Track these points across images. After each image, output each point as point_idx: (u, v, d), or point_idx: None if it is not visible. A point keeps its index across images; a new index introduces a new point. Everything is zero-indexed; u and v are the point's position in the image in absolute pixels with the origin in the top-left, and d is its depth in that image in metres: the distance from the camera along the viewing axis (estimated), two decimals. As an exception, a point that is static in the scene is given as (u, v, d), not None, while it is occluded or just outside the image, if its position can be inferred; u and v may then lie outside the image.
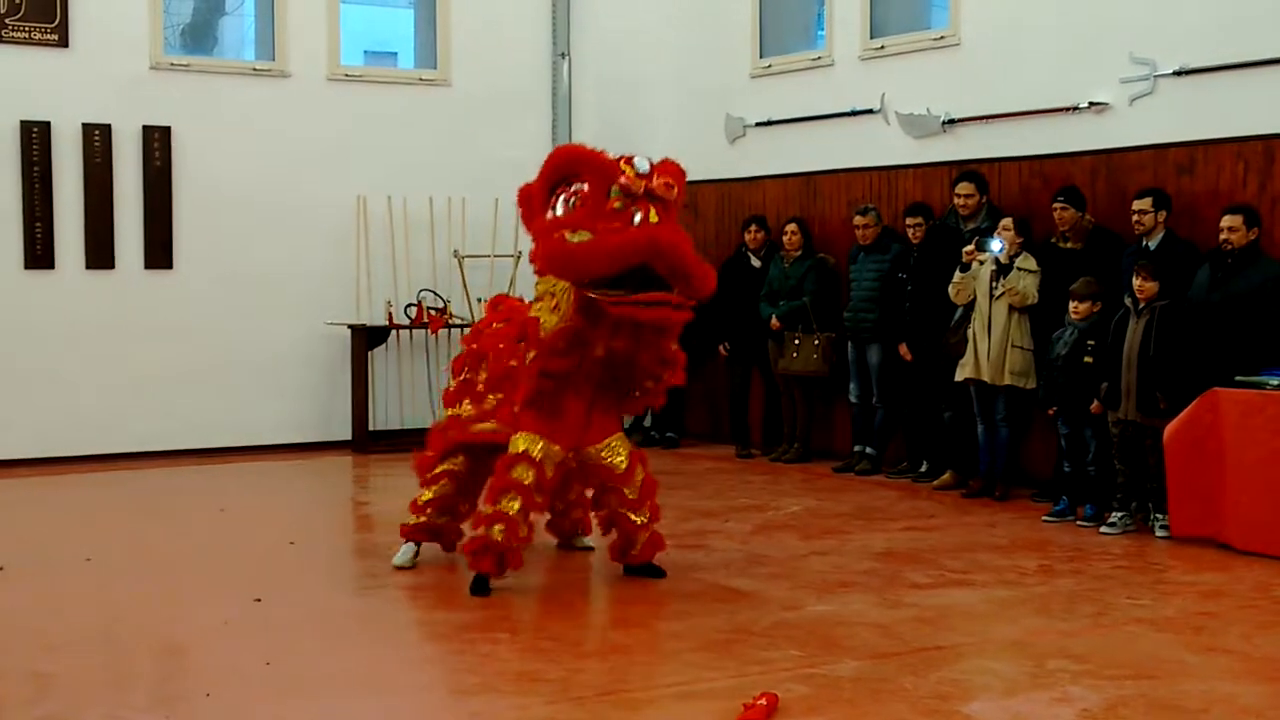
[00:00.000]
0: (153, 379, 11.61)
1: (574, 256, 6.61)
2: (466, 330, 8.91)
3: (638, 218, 6.69)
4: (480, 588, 7.02)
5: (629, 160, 6.80)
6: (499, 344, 7.36)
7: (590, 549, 8.01)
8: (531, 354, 7.06)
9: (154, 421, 11.64)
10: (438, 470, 7.49)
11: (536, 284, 7.25)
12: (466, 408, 7.41)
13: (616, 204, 6.70)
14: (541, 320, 7.04)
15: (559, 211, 6.85)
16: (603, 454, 7.24)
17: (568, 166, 6.91)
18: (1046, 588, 7.23)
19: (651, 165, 6.85)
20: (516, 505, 6.94)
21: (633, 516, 7.36)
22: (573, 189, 6.85)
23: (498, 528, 6.93)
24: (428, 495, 7.51)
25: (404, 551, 7.60)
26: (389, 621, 6.73)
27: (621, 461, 7.28)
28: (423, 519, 7.53)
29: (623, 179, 6.70)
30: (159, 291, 11.67)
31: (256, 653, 5.99)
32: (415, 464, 7.66)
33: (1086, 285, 8.82)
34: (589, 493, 7.59)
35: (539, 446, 6.99)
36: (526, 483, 6.94)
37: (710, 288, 6.92)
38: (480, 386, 7.38)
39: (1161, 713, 5.22)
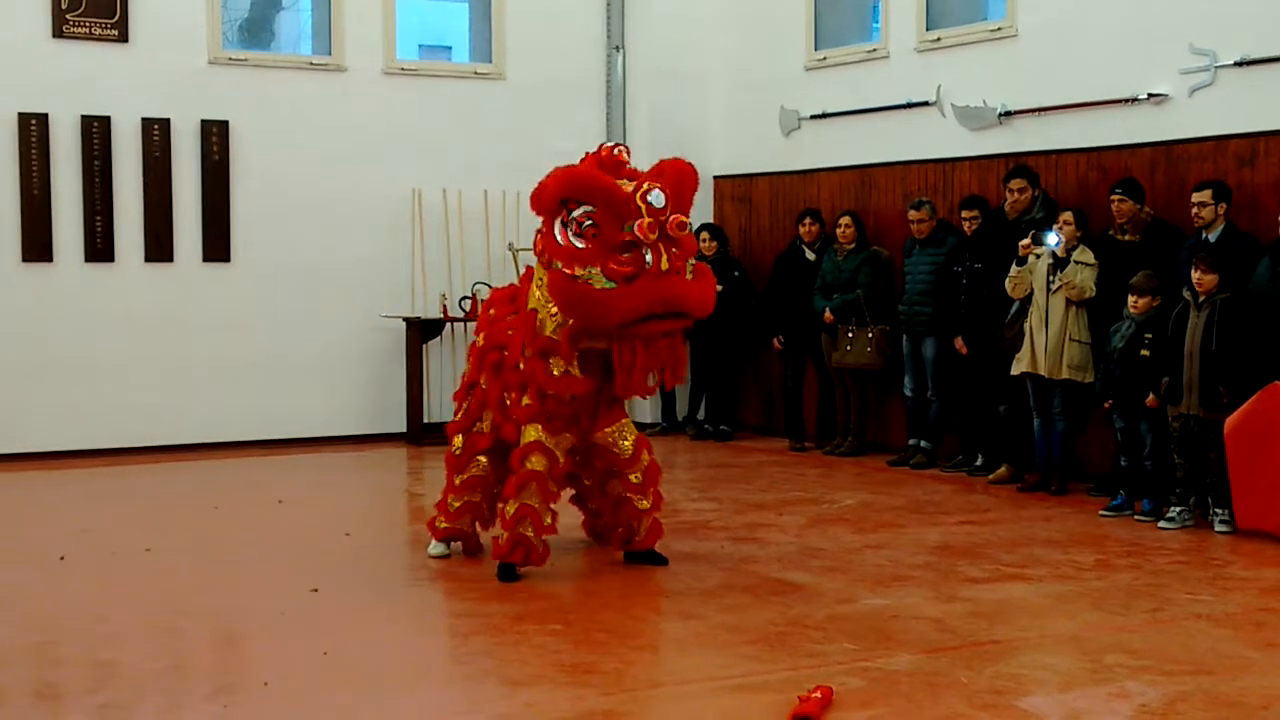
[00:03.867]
0: (211, 371, 11.72)
1: (590, 306, 6.73)
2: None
3: (649, 257, 6.71)
4: (508, 574, 7.15)
5: (644, 194, 6.71)
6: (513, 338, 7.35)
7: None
8: (528, 351, 7.12)
9: (212, 413, 11.75)
10: (466, 476, 7.53)
11: (536, 268, 7.24)
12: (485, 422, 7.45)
13: (628, 237, 6.71)
14: (539, 316, 7.08)
15: (570, 234, 6.82)
16: (610, 437, 7.34)
17: (583, 194, 6.82)
18: (1104, 582, 7.17)
19: (666, 198, 6.74)
20: (537, 498, 7.09)
21: (637, 501, 7.45)
22: (582, 210, 6.80)
23: (526, 523, 7.07)
24: (456, 503, 7.58)
25: (437, 544, 7.71)
26: (444, 612, 6.76)
27: (628, 446, 7.39)
28: (452, 525, 7.62)
29: (638, 227, 6.66)
30: (217, 285, 11.78)
31: (313, 643, 6.03)
32: (447, 461, 7.73)
33: (1146, 279, 8.73)
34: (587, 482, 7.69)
35: (558, 438, 7.13)
36: (541, 470, 7.08)
37: (711, 309, 7.07)
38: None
39: (1221, 709, 5.16)
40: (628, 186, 6.79)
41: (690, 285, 6.85)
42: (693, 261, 6.97)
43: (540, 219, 7.07)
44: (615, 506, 7.53)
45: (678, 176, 6.95)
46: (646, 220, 6.65)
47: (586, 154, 7.18)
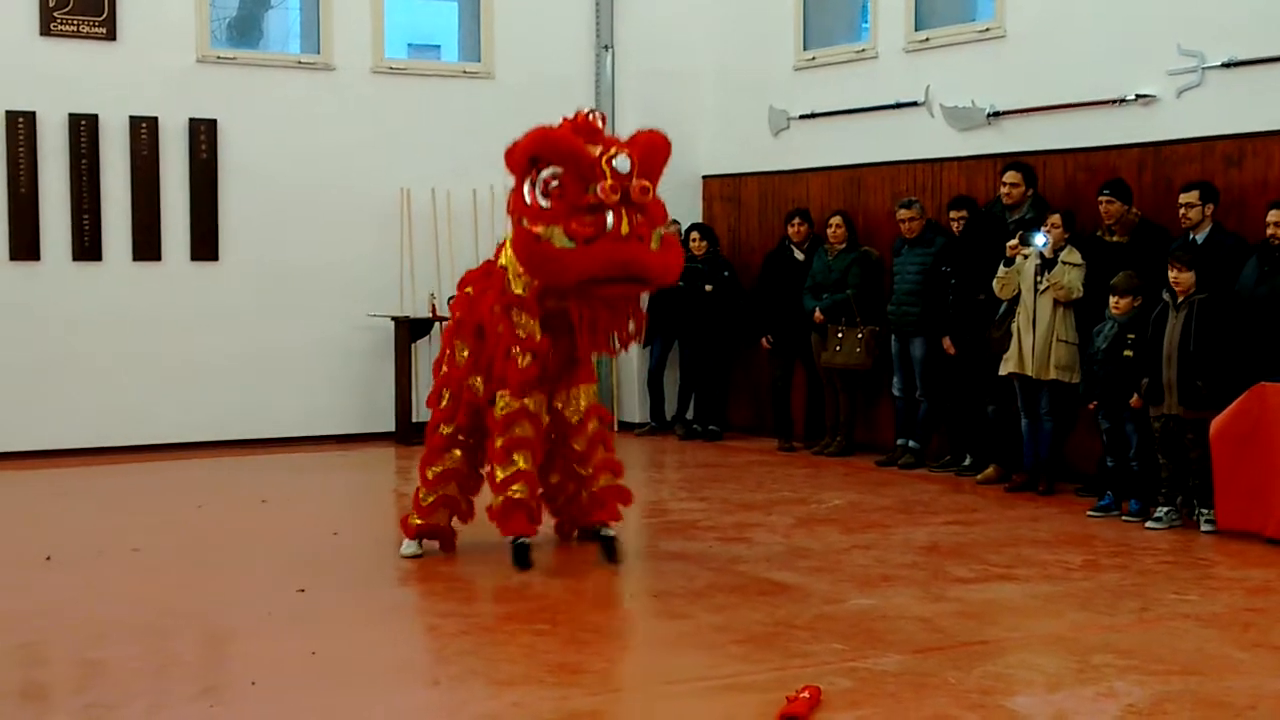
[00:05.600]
0: (198, 370, 11.69)
1: (548, 264, 6.89)
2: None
3: (610, 220, 6.83)
4: (522, 558, 7.23)
5: (610, 159, 6.86)
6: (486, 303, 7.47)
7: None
8: (495, 308, 7.27)
9: (199, 412, 11.73)
10: (440, 470, 7.56)
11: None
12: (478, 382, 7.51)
13: (592, 200, 6.82)
14: (509, 273, 7.23)
15: (538, 193, 6.95)
16: (559, 404, 7.44)
17: (549, 155, 6.97)
18: (1091, 583, 7.18)
19: (632, 163, 6.89)
20: (526, 460, 7.21)
21: (578, 469, 7.55)
22: (550, 171, 6.94)
23: (516, 486, 7.16)
24: (430, 498, 7.60)
25: (410, 543, 7.70)
26: (430, 612, 6.75)
27: (574, 414, 7.48)
28: (427, 521, 7.63)
29: (600, 188, 6.79)
30: (204, 283, 11.76)
31: (300, 642, 6.02)
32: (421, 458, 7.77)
33: (1127, 279, 8.75)
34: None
35: (533, 399, 7.22)
36: (530, 436, 7.23)
37: (674, 279, 7.26)
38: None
39: (1208, 709, 5.17)
40: (597, 150, 6.93)
41: (651, 252, 6.95)
42: (661, 230, 7.08)
43: (513, 177, 7.20)
44: (564, 475, 7.65)
45: (648, 145, 7.12)
46: (608, 182, 6.79)
47: (564, 118, 7.27)
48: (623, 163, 6.85)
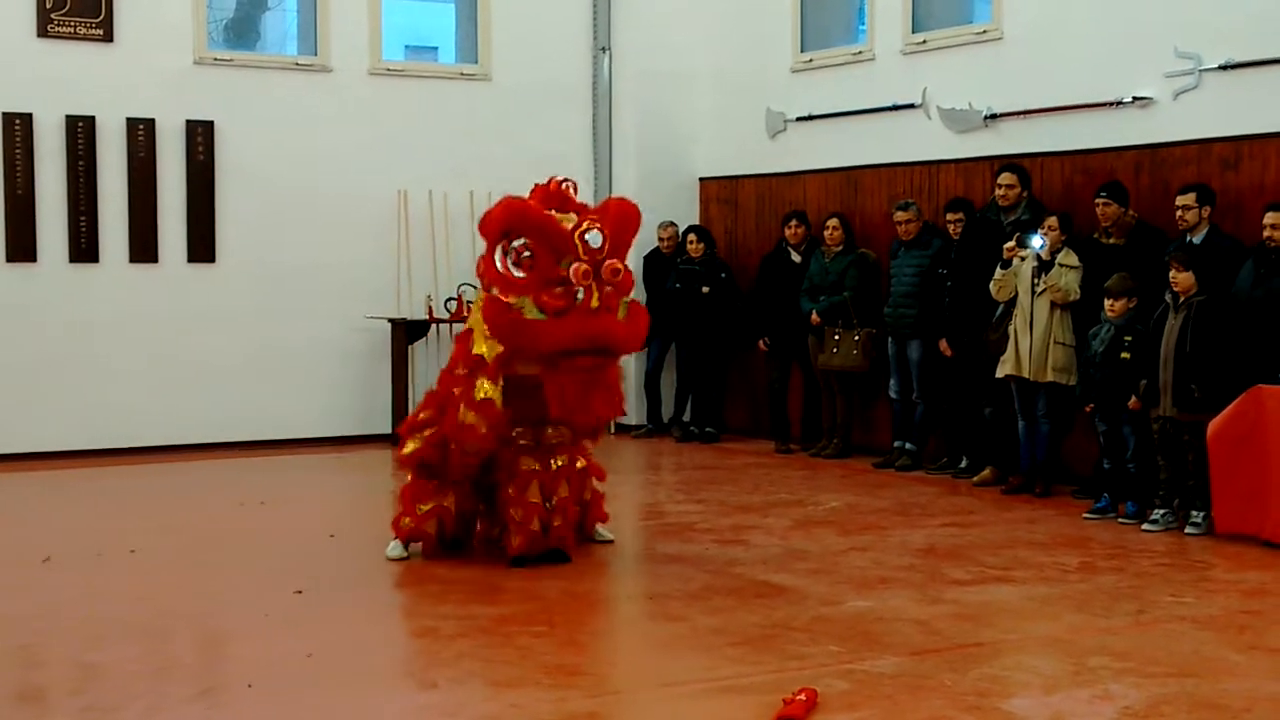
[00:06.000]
0: (195, 372, 11.69)
1: (519, 334, 7.09)
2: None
3: (580, 295, 7.02)
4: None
5: (583, 233, 7.03)
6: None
7: (610, 540, 8.03)
8: (460, 369, 7.41)
9: (196, 414, 11.72)
10: (437, 483, 7.63)
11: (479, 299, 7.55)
12: None
13: (564, 274, 7.00)
14: (474, 334, 7.37)
15: (510, 263, 7.10)
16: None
17: (523, 227, 7.11)
18: (1088, 585, 7.18)
19: (604, 238, 7.06)
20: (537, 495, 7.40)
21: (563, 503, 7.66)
22: (522, 241, 7.09)
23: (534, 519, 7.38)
24: (426, 506, 7.62)
25: (396, 544, 7.70)
26: (428, 614, 6.75)
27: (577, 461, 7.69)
28: (418, 527, 7.65)
29: (573, 270, 6.97)
30: (201, 285, 11.76)
31: (297, 644, 6.02)
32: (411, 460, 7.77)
33: (1121, 281, 8.76)
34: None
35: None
36: (537, 468, 7.43)
37: (638, 348, 7.72)
38: None
39: (1204, 711, 5.18)
40: (569, 223, 7.08)
41: (619, 324, 7.18)
42: (628, 300, 7.29)
43: (485, 244, 7.34)
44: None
45: (620, 217, 7.31)
46: (582, 267, 6.98)
47: (535, 185, 7.47)
48: (595, 238, 7.04)
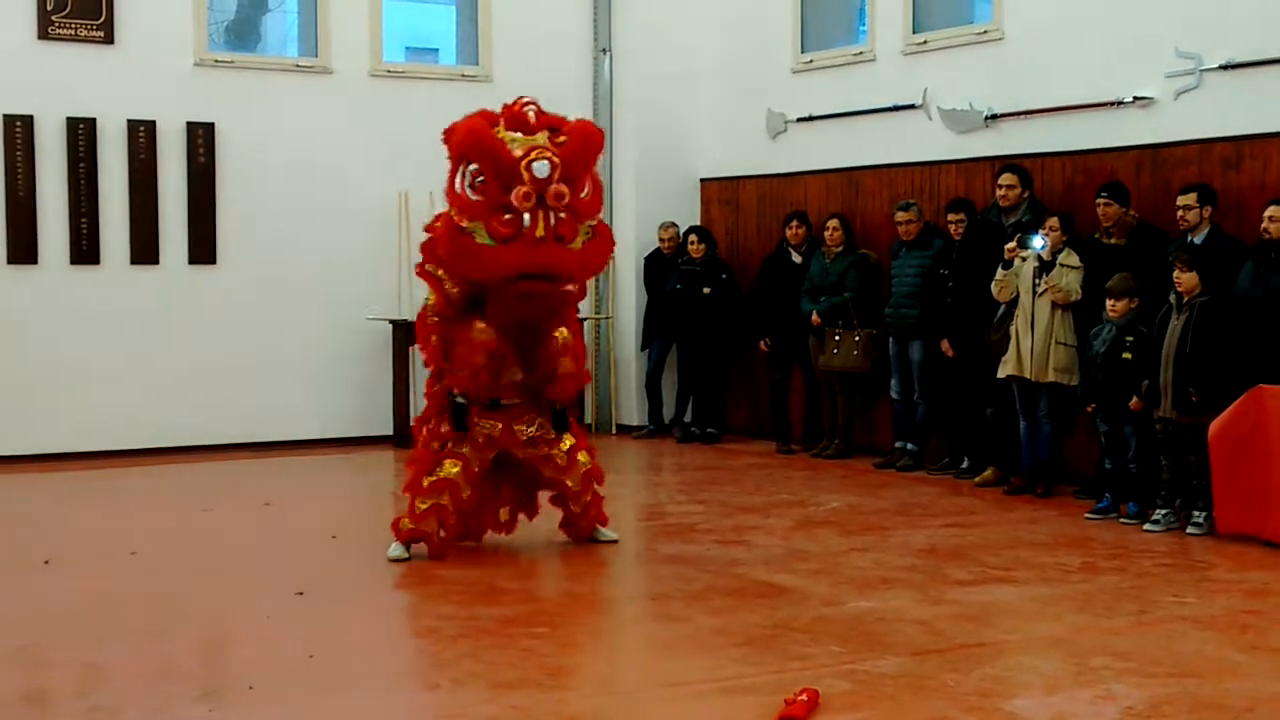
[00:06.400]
0: (196, 374, 11.69)
1: (467, 258, 7.20)
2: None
3: (527, 219, 7.09)
4: (459, 416, 7.54)
5: (530, 163, 7.08)
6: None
7: (614, 540, 8.04)
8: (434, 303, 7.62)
9: (197, 416, 11.72)
10: (435, 479, 7.60)
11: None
12: None
13: (512, 200, 7.07)
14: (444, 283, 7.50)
15: (466, 186, 7.22)
16: (530, 429, 7.66)
17: (474, 155, 7.20)
18: (1089, 585, 7.18)
19: (553, 166, 7.11)
20: (455, 469, 7.49)
21: (571, 505, 7.84)
22: (475, 167, 7.20)
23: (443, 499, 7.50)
24: (424, 505, 7.60)
25: (398, 546, 7.69)
26: (429, 615, 6.75)
27: (559, 456, 7.70)
28: (418, 527, 7.64)
29: (515, 195, 7.04)
30: (203, 287, 11.76)
31: (299, 646, 6.02)
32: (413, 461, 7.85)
33: (1122, 282, 8.75)
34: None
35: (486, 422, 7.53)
36: (467, 454, 7.51)
37: (595, 273, 7.93)
38: None
39: (1206, 711, 5.18)
40: (519, 150, 7.13)
41: (566, 252, 7.22)
42: (591, 223, 7.37)
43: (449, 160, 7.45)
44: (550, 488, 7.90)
45: (580, 140, 7.37)
46: (524, 190, 7.04)
47: (504, 105, 7.55)
48: (542, 168, 7.09)
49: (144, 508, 9.52)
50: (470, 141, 7.20)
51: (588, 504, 7.90)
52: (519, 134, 7.29)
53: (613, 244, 7.69)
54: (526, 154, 7.11)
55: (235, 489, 10.27)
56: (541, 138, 7.26)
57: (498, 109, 7.58)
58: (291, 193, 11.97)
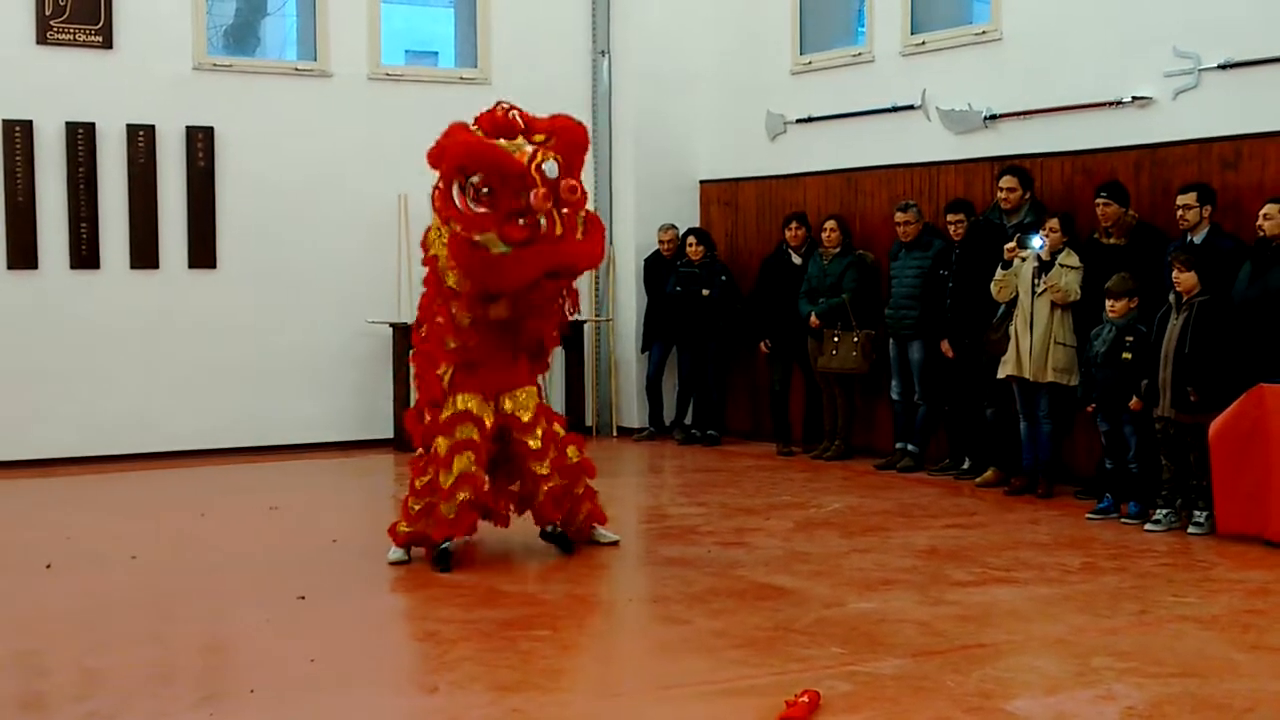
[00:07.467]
0: (197, 378, 11.69)
1: (488, 270, 7.18)
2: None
3: (543, 223, 7.12)
4: (443, 561, 7.41)
5: (539, 165, 7.09)
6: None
7: (615, 541, 8.04)
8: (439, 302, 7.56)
9: (197, 420, 11.72)
10: (429, 480, 7.56)
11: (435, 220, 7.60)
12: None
13: (523, 204, 7.08)
14: (441, 264, 7.46)
15: (469, 199, 7.15)
16: (506, 404, 7.59)
17: (479, 167, 7.14)
18: (1090, 585, 7.18)
19: (560, 165, 7.14)
20: (469, 462, 7.38)
21: (535, 467, 7.64)
22: (480, 178, 7.14)
23: (462, 492, 7.37)
24: (418, 506, 7.60)
25: (397, 550, 7.69)
26: (430, 618, 6.75)
27: (524, 411, 7.61)
28: (414, 529, 7.63)
29: (534, 198, 7.05)
30: (203, 291, 11.76)
31: (300, 650, 6.02)
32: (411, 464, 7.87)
33: (1122, 282, 8.75)
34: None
35: (475, 401, 7.47)
36: (474, 439, 7.42)
37: (599, 261, 7.96)
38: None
39: (1207, 711, 5.17)
40: (519, 153, 7.13)
41: (581, 245, 7.34)
42: (584, 213, 7.42)
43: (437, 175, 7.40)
44: (519, 476, 7.79)
45: (570, 139, 7.40)
46: (541, 191, 7.04)
47: (481, 112, 7.51)
48: (551, 168, 7.12)
49: (145, 512, 9.52)
50: (469, 154, 7.15)
51: (579, 497, 7.84)
52: (503, 139, 7.30)
53: (604, 227, 7.80)
54: (533, 157, 7.10)
55: (235, 493, 10.28)
56: (528, 141, 7.30)
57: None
58: (291, 196, 11.97)
